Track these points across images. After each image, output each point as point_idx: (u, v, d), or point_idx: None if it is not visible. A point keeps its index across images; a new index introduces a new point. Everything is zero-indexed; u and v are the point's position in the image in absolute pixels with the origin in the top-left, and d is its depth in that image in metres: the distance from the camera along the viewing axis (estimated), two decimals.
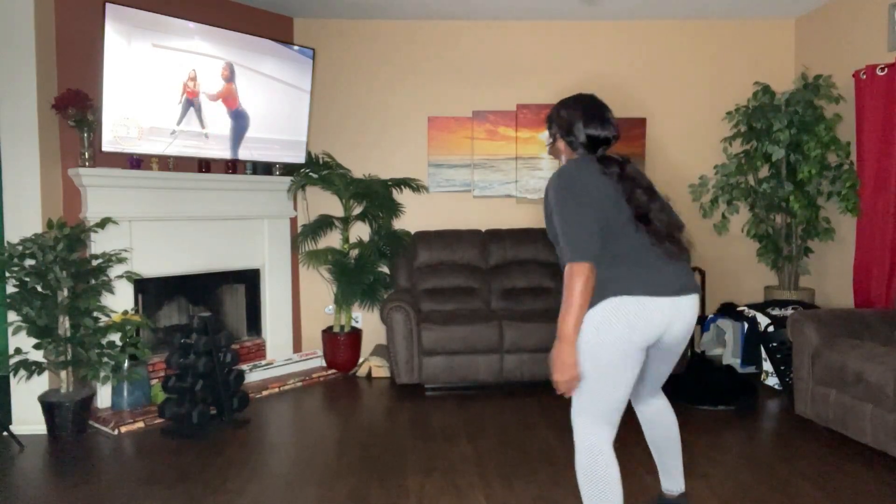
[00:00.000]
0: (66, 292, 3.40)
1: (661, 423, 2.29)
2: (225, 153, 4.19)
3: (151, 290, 4.16)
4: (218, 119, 4.11)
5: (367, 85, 5.03)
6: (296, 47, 4.49)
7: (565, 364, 1.87)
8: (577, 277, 1.84)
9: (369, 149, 5.05)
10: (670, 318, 1.93)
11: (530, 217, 5.13)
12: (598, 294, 1.93)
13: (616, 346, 1.88)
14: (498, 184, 5.11)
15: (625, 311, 1.88)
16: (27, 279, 3.34)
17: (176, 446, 3.31)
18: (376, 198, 4.76)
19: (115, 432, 3.51)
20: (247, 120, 4.27)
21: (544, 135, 2.22)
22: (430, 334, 4.16)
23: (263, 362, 4.55)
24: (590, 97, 2.10)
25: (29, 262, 3.35)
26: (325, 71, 4.97)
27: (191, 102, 3.95)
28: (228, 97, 4.15)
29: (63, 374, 3.46)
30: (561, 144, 2.13)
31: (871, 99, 4.07)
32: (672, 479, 2.36)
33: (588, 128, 2.04)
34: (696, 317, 2.03)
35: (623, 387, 1.93)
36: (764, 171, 4.72)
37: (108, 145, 3.62)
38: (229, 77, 4.13)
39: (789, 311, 4.24)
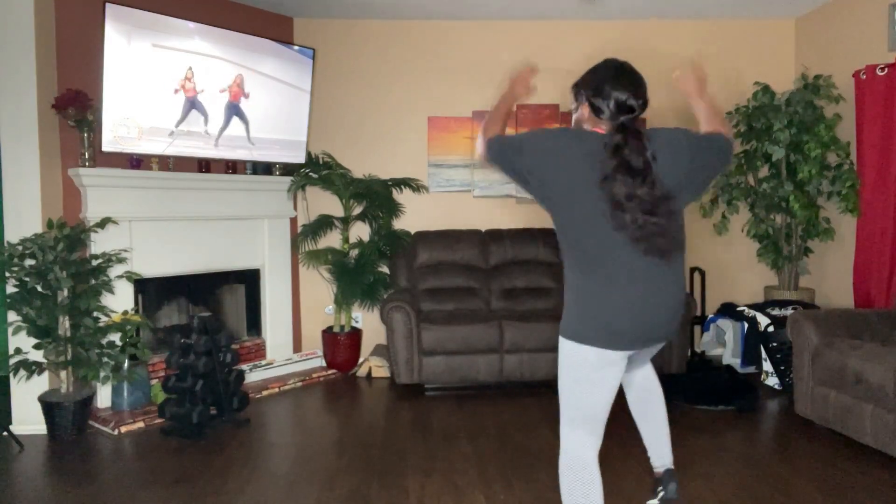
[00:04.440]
0: (66, 292, 3.40)
1: (643, 386, 2.27)
2: (227, 153, 4.20)
3: (151, 290, 4.15)
4: (219, 118, 4.11)
5: (367, 85, 5.03)
6: (296, 47, 4.49)
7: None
8: (486, 128, 2.00)
9: (369, 149, 5.05)
10: (636, 352, 1.95)
11: (530, 217, 5.13)
12: (569, 306, 1.91)
13: (587, 367, 1.88)
14: (498, 184, 5.11)
15: (587, 360, 1.86)
16: (27, 279, 3.34)
17: (176, 446, 3.31)
18: (376, 198, 4.76)
19: (115, 432, 3.51)
20: (245, 118, 4.28)
21: (571, 103, 2.02)
22: (430, 334, 4.16)
23: (263, 362, 4.55)
24: (621, 61, 1.91)
25: (29, 262, 3.34)
26: (325, 71, 4.97)
27: (192, 103, 3.95)
28: (236, 95, 4.16)
29: (63, 374, 3.46)
30: (585, 110, 1.91)
31: (871, 99, 4.07)
32: (658, 452, 2.32)
33: (616, 90, 1.82)
34: (674, 325, 1.92)
35: (601, 394, 1.88)
36: (764, 171, 4.72)
37: (108, 145, 3.62)
38: (241, 83, 4.18)
39: (789, 311, 4.24)
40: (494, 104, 2.18)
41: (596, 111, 1.87)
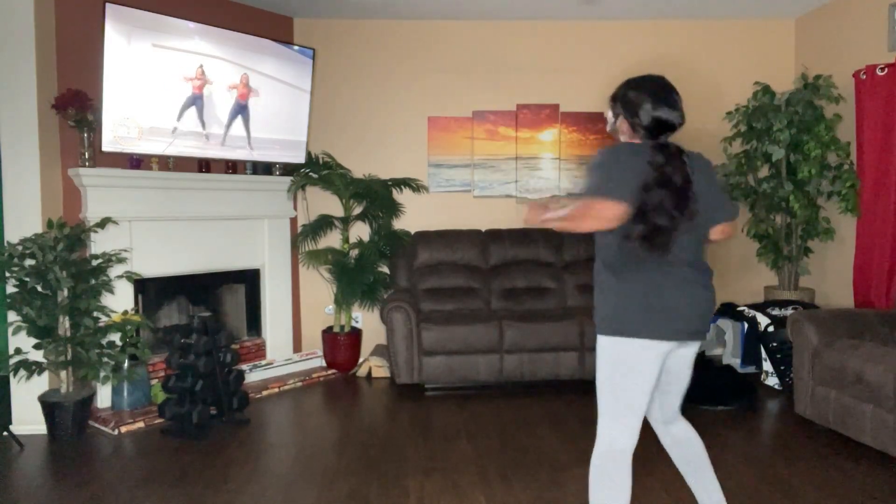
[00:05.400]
0: (66, 292, 3.40)
1: (685, 441, 2.20)
2: (227, 153, 4.20)
3: (151, 290, 4.15)
4: (221, 117, 4.11)
5: (367, 85, 5.03)
6: (296, 47, 4.49)
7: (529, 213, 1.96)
8: (599, 205, 1.81)
9: (369, 149, 5.05)
10: (674, 356, 2.03)
11: None
12: (619, 303, 1.93)
13: (643, 362, 1.94)
14: (498, 184, 5.11)
15: (645, 355, 1.92)
16: (27, 279, 3.34)
17: (176, 446, 3.31)
18: (376, 198, 4.76)
19: (115, 432, 3.51)
20: (248, 115, 4.28)
21: (608, 115, 2.10)
22: (430, 334, 4.16)
23: (263, 362, 4.54)
24: (659, 78, 1.99)
25: (29, 262, 3.34)
26: (325, 71, 4.97)
27: (193, 100, 3.95)
28: (243, 95, 4.17)
29: (63, 374, 3.46)
30: (624, 125, 2.01)
31: (871, 99, 4.07)
32: (710, 497, 2.21)
33: (656, 110, 1.93)
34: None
35: (647, 384, 1.94)
36: (764, 171, 4.72)
37: (108, 145, 3.62)
38: (247, 82, 4.19)
39: (789, 311, 4.24)
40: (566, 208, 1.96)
41: (634, 127, 1.97)
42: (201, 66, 3.94)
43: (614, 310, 1.95)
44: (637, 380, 1.93)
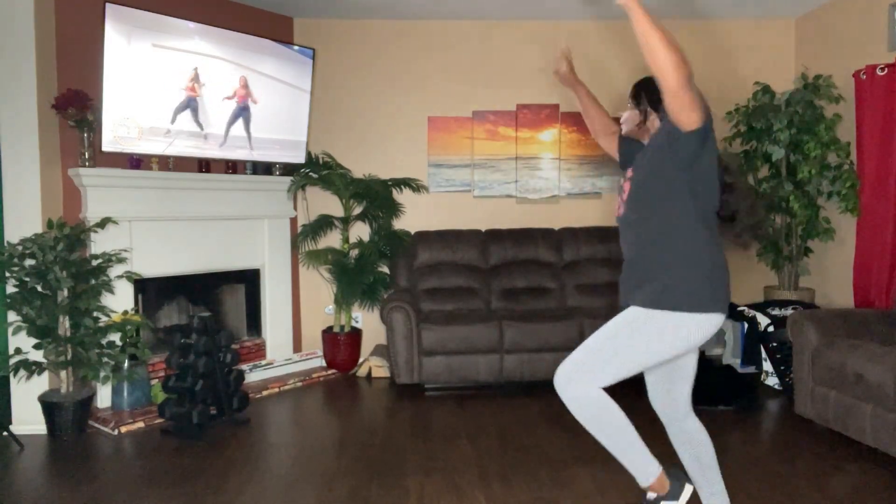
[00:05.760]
0: (66, 292, 3.40)
1: (698, 442, 2.20)
2: (228, 153, 4.20)
3: (151, 290, 4.15)
4: (219, 119, 4.11)
5: (368, 85, 5.03)
6: (296, 47, 4.49)
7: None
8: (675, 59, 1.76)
9: (369, 149, 5.05)
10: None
11: (530, 217, 5.13)
12: (692, 275, 1.88)
13: (662, 344, 1.89)
14: (498, 184, 5.11)
15: (695, 333, 1.88)
16: (27, 279, 3.34)
17: (176, 446, 3.31)
18: (376, 198, 4.76)
19: (115, 432, 3.51)
20: (249, 115, 4.28)
21: (626, 115, 2.06)
22: (430, 334, 4.16)
23: (263, 362, 4.54)
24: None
25: (29, 262, 3.35)
26: (325, 71, 4.97)
27: (188, 102, 3.95)
28: (242, 98, 4.17)
29: (63, 374, 3.46)
30: (655, 121, 1.99)
31: (870, 99, 4.07)
32: (710, 491, 2.22)
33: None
34: None
35: (642, 366, 1.91)
36: (764, 171, 4.72)
37: (108, 145, 3.62)
38: (245, 84, 4.19)
39: (789, 311, 4.24)
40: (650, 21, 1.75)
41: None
42: (195, 69, 3.92)
43: (683, 282, 1.88)
44: (659, 355, 1.89)
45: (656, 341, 1.88)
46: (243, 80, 4.19)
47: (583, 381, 1.91)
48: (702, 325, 1.88)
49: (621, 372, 1.90)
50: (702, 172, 1.85)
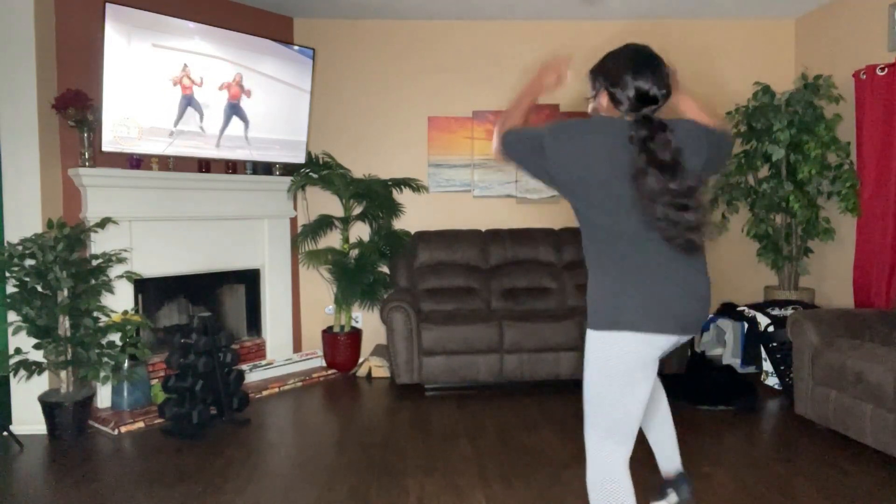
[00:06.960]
0: (66, 292, 3.40)
1: (655, 398, 2.19)
2: (227, 153, 4.20)
3: (151, 290, 4.15)
4: (216, 118, 4.11)
5: (367, 85, 5.03)
6: (296, 47, 4.49)
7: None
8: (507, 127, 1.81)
9: (369, 149, 5.05)
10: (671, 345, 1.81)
11: (530, 217, 5.13)
12: (600, 297, 1.76)
13: (623, 363, 1.75)
14: (498, 184, 5.11)
15: (627, 351, 1.73)
16: (27, 279, 3.34)
17: (176, 446, 3.31)
18: (376, 198, 4.76)
19: (115, 432, 3.51)
20: (246, 117, 4.28)
21: (590, 92, 1.89)
22: (430, 334, 4.16)
23: (263, 362, 4.54)
24: (642, 46, 1.78)
25: (29, 262, 3.35)
26: (325, 71, 4.97)
27: (188, 100, 3.95)
28: (235, 95, 4.16)
29: (63, 374, 3.46)
30: (604, 100, 1.80)
31: (871, 99, 4.07)
32: (666, 454, 2.26)
33: (637, 80, 1.71)
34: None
35: (636, 395, 1.76)
36: (764, 171, 4.72)
37: (108, 145, 3.62)
38: (240, 81, 4.17)
39: (789, 311, 4.24)
40: (517, 94, 1.93)
41: (615, 102, 1.76)
42: (185, 66, 3.89)
43: (595, 303, 1.77)
44: (626, 390, 1.76)
45: (595, 363, 1.80)
46: (238, 77, 4.18)
47: (590, 440, 1.85)
48: (620, 345, 1.74)
49: (612, 415, 1.79)
50: (574, 198, 1.77)
